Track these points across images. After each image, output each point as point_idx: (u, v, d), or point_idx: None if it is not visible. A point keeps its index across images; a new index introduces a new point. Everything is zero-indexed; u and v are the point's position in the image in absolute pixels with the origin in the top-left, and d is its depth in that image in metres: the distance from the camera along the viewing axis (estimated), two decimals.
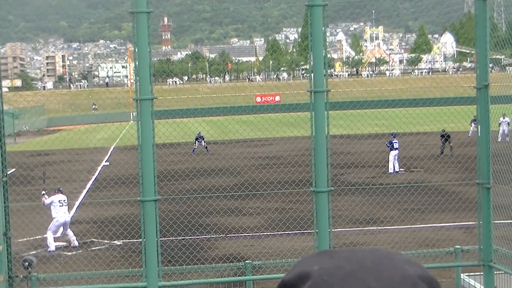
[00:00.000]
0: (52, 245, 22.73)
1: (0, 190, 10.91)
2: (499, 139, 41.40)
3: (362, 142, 38.33)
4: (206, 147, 47.87)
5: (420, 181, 32.65)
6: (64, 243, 23.36)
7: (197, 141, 47.55)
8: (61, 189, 24.09)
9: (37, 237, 23.75)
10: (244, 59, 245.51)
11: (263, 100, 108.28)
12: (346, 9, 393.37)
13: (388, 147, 36.56)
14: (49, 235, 22.84)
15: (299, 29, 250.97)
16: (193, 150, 47.67)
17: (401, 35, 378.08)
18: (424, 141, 41.67)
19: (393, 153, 36.31)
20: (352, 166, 35.20)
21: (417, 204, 26.07)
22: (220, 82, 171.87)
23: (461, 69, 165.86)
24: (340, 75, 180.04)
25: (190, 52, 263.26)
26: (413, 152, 38.24)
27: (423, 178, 33.71)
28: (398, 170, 36.33)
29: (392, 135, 37.09)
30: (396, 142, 36.50)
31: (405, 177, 34.45)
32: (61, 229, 23.45)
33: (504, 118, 41.98)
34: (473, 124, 49.01)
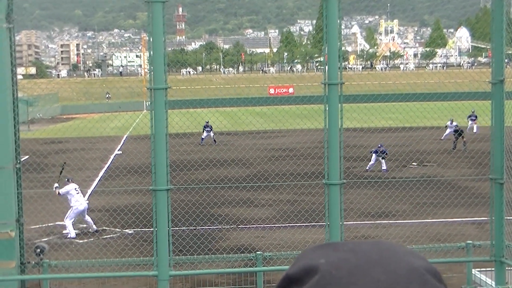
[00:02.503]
0: (72, 232, 22.86)
1: (13, 177, 10.95)
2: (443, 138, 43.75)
3: (376, 135, 38.26)
4: (214, 139, 48.05)
5: (432, 175, 32.57)
6: (77, 231, 23.45)
7: (205, 131, 47.75)
8: (71, 179, 24.21)
9: (49, 224, 23.86)
10: (258, 50, 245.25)
11: (276, 92, 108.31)
12: (361, 2, 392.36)
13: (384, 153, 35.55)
14: (68, 223, 22.96)
15: (314, 21, 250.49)
16: (202, 139, 47.88)
17: (416, 29, 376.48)
18: (438, 135, 41.57)
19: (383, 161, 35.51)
20: (365, 159, 35.14)
21: (429, 198, 26.03)
22: (234, 73, 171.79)
23: (476, 64, 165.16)
24: (354, 68, 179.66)
25: (204, 43, 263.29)
26: (426, 146, 38.15)
27: (436, 173, 33.64)
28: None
29: (379, 146, 36.15)
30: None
31: (418, 171, 34.38)
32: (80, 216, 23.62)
33: (452, 123, 43.12)
34: (469, 120, 49.43)
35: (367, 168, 35.19)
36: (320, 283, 1.32)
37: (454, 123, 43.36)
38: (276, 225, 23.45)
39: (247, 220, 24.37)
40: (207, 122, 46.91)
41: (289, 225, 23.02)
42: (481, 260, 12.66)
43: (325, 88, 10.78)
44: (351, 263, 1.32)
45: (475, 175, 29.89)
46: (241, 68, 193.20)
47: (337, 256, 1.34)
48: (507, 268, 11.80)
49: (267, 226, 23.31)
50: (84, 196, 24.60)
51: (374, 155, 35.21)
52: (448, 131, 44.35)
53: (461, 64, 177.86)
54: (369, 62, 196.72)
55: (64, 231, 23.39)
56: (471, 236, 19.04)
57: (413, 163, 36.37)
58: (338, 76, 10.70)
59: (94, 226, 23.52)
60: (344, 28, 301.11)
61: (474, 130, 48.63)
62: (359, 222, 23.07)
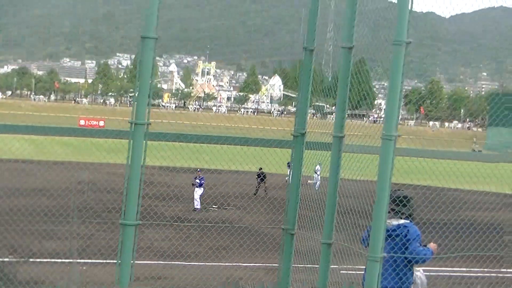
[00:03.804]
0: None
1: None
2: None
3: (181, 175, 38.49)
4: None
5: (231, 219, 33.01)
6: None
7: None
8: None
9: None
10: (74, 80, 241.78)
11: (87, 124, 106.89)
12: (182, 41, 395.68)
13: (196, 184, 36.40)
14: None
15: (133, 56, 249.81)
16: None
17: (232, 73, 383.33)
18: (242, 179, 42.27)
19: (198, 189, 36.26)
20: (167, 198, 35.17)
21: (226, 241, 26.33)
22: (45, 100, 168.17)
23: (285, 113, 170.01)
24: (167, 106, 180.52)
25: (17, 67, 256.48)
26: (229, 189, 38.68)
27: (235, 217, 34.10)
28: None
29: (197, 171, 37.09)
30: (201, 178, 36.50)
31: (217, 214, 34.75)
32: None
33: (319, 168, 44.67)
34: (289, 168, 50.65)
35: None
36: None
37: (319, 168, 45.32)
38: (70, 260, 22.95)
39: (42, 253, 23.71)
40: None
41: (82, 261, 22.58)
42: None
43: (131, 126, 10.70)
44: None
45: (272, 221, 30.60)
46: (53, 97, 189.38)
47: None
48: None
49: (59, 261, 22.76)
50: None
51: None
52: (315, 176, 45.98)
53: (271, 111, 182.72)
54: (183, 102, 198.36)
55: None
56: (262, 281, 19.38)
57: (213, 206, 36.73)
58: (146, 116, 10.63)
59: None
60: (162, 65, 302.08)
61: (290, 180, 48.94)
62: (153, 262, 22.97)
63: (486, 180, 51.32)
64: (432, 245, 9.78)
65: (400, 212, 9.37)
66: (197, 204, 35.92)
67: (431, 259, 9.66)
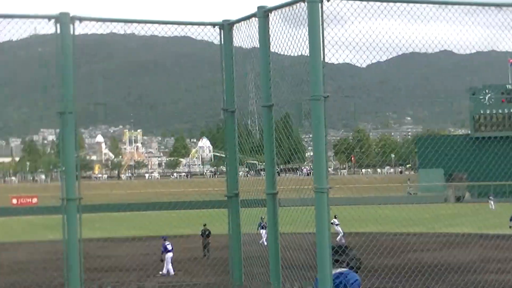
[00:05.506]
0: None
1: None
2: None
3: (126, 245, 37.92)
4: None
5: (178, 284, 32.21)
6: None
7: None
8: None
9: None
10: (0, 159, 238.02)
11: (19, 202, 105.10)
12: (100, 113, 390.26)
13: (163, 251, 36.28)
14: None
15: (58, 130, 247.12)
16: None
17: (160, 138, 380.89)
18: (183, 242, 41.57)
19: (169, 255, 36.14)
20: (109, 270, 34.71)
21: None
22: None
23: (218, 173, 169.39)
24: (99, 177, 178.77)
25: None
26: (177, 255, 37.61)
27: (182, 281, 33.27)
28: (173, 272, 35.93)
29: (163, 238, 36.99)
30: (169, 244, 36.40)
31: (163, 280, 34.17)
32: None
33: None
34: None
35: None
36: None
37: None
38: None
39: None
40: None
41: None
42: None
43: (63, 202, 10.69)
44: None
45: (220, 283, 30.18)
46: None
47: None
48: None
49: None
50: None
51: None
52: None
53: (204, 173, 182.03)
54: (116, 171, 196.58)
55: None
56: None
57: (160, 272, 36.08)
58: (76, 191, 10.62)
59: None
60: (89, 137, 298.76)
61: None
62: None
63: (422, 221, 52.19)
64: None
65: (338, 261, 9.44)
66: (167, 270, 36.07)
67: None
